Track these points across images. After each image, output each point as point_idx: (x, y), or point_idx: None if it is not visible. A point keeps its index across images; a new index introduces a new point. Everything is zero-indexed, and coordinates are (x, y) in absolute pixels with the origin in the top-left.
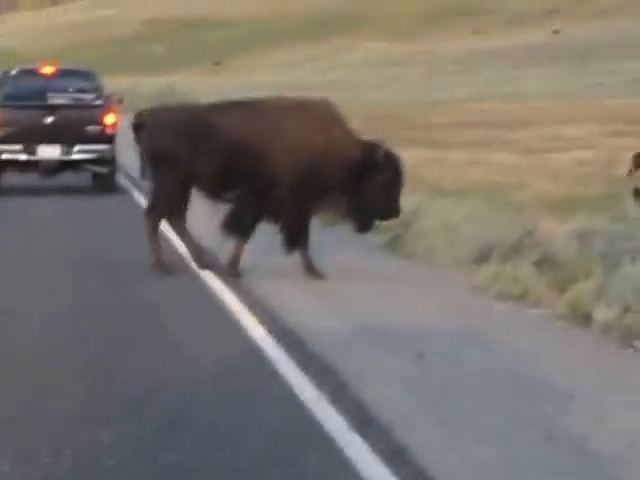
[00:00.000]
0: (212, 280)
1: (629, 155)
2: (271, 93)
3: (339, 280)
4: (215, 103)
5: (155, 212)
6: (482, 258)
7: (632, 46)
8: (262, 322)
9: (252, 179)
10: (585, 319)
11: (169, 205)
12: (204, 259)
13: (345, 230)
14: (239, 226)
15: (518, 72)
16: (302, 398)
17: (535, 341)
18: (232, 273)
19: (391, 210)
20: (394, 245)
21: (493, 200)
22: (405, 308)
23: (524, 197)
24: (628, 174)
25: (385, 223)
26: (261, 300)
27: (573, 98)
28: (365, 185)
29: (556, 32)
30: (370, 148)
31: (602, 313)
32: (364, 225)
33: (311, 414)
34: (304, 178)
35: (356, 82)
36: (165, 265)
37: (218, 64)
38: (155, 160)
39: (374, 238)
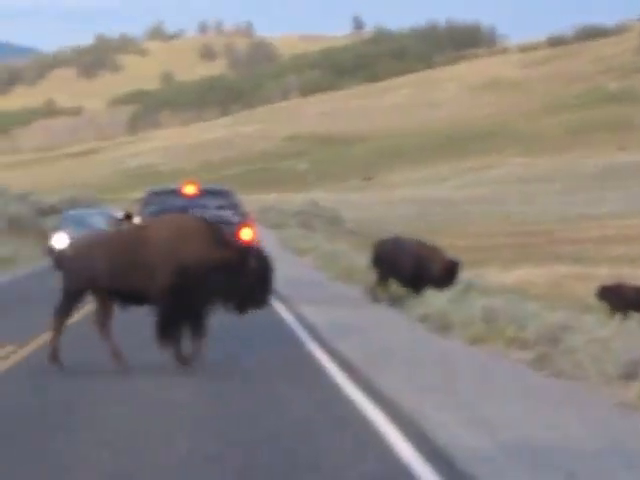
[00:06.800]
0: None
1: None
2: (415, 208)
3: (487, 398)
4: None
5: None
6: (630, 374)
7: None
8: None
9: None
10: None
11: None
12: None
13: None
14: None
15: None
16: None
17: None
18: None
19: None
20: (541, 362)
21: None
22: (554, 427)
23: None
24: None
25: (530, 339)
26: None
27: None
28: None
29: None
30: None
31: None
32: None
33: None
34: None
35: (497, 198)
36: None
37: (370, 179)
38: None
39: (519, 354)
